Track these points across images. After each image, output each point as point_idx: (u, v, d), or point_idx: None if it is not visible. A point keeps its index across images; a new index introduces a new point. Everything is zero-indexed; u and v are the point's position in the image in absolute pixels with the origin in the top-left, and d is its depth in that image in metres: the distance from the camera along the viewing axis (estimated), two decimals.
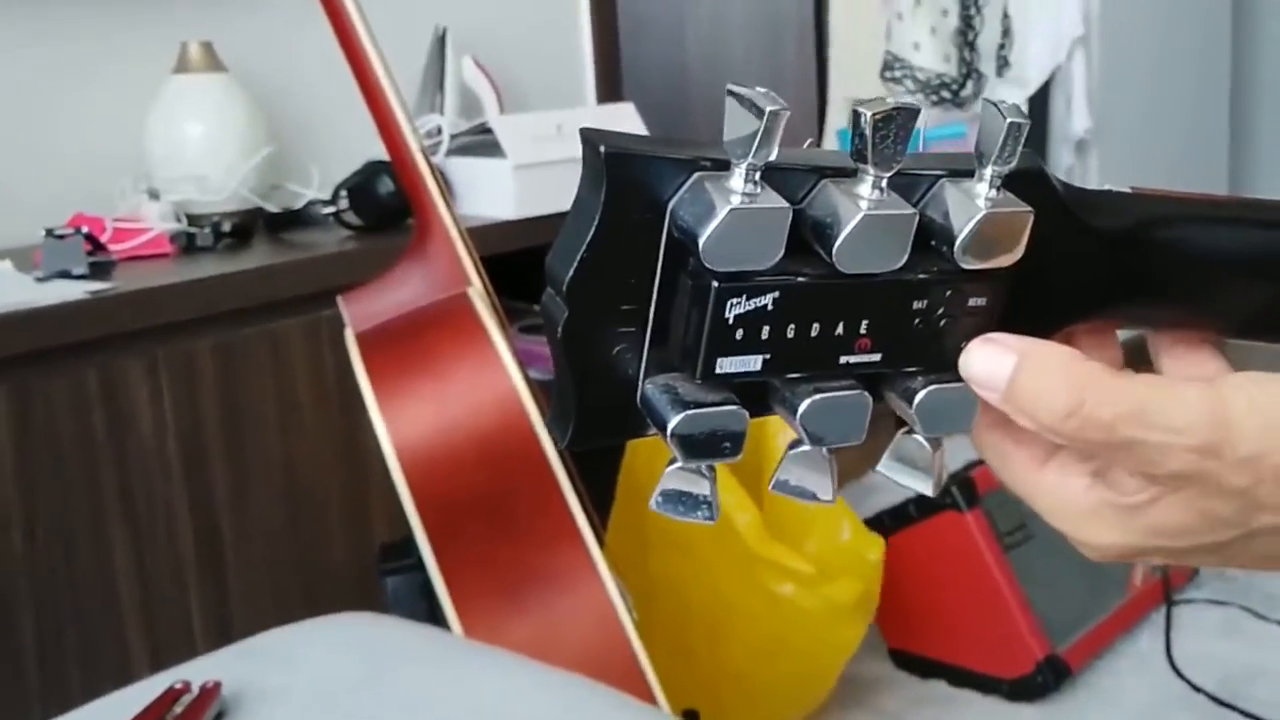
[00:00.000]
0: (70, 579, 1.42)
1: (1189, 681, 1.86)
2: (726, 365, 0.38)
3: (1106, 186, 0.45)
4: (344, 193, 1.81)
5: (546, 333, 0.39)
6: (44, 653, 1.40)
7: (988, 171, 0.39)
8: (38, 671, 1.40)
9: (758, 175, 0.37)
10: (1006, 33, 2.86)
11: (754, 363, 0.38)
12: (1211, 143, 3.69)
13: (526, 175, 1.88)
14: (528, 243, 1.88)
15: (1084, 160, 3.08)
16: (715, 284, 0.37)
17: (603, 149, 0.37)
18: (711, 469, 0.40)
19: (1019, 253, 0.40)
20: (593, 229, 0.37)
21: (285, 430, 1.60)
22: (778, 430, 1.79)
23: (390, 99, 1.38)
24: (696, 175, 0.37)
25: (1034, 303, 0.43)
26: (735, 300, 0.37)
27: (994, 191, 0.39)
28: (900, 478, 0.44)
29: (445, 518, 1.23)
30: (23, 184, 1.85)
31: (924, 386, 0.41)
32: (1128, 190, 0.46)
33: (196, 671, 0.93)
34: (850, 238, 0.37)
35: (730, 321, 0.37)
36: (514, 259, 1.82)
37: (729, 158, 0.37)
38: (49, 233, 1.57)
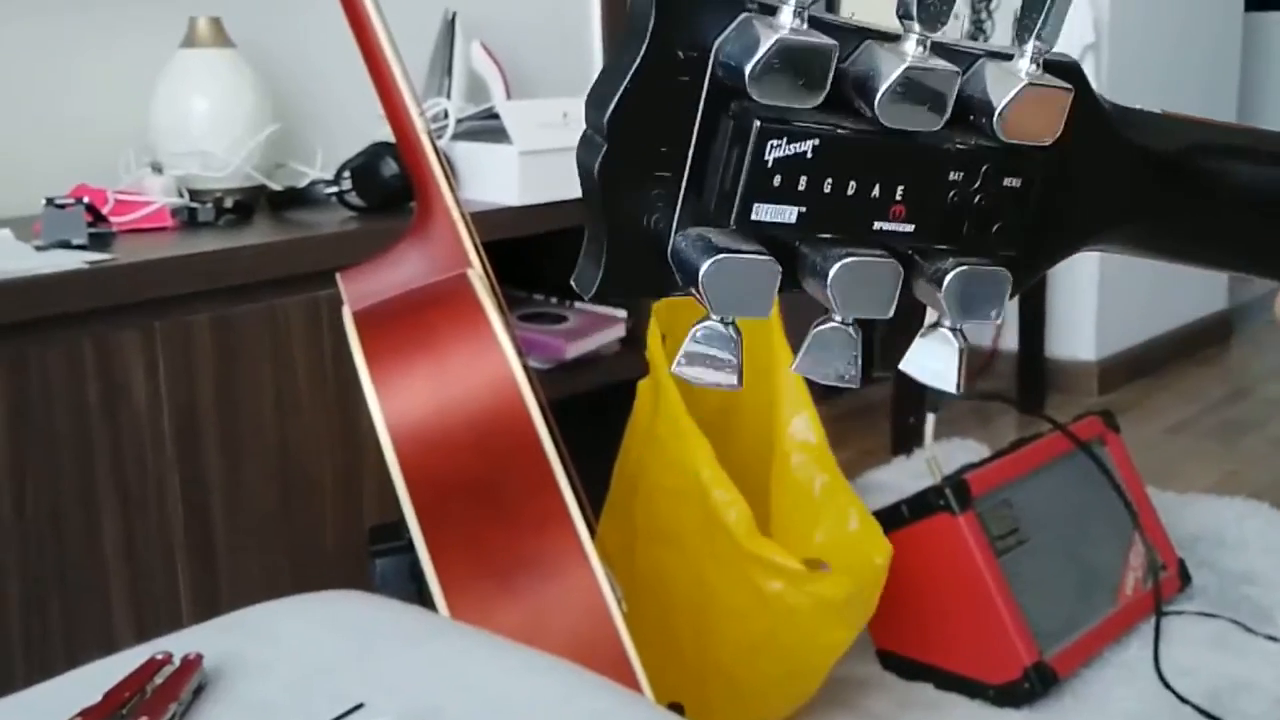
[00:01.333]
0: (59, 550, 1.42)
1: (1176, 693, 1.86)
2: (762, 212, 0.38)
3: (1138, 106, 0.46)
4: (347, 173, 1.81)
5: (581, 174, 0.39)
6: (29, 622, 1.40)
7: (1029, 47, 0.39)
8: (22, 640, 1.40)
9: (805, 16, 0.37)
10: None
11: (789, 214, 0.38)
12: None
13: (532, 162, 1.88)
14: (531, 230, 1.87)
15: None
16: (757, 123, 0.37)
17: None
18: (737, 334, 0.39)
19: (1057, 130, 0.40)
20: (637, 63, 0.37)
21: (280, 408, 1.59)
22: (789, 420, 1.78)
23: (398, 81, 1.37)
24: (744, 15, 0.37)
25: (1064, 206, 0.43)
26: (776, 142, 0.37)
27: (1034, 67, 0.39)
28: (922, 373, 0.43)
29: (436, 499, 1.23)
30: (26, 153, 1.85)
31: (954, 268, 0.40)
32: (1159, 111, 0.46)
33: (179, 644, 0.93)
34: (892, 88, 0.37)
35: (769, 164, 0.37)
36: (517, 246, 1.82)
37: (777, 2, 0.37)
38: (50, 202, 1.56)
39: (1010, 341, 3.23)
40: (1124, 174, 0.44)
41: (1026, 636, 1.86)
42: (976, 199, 0.40)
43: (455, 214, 1.39)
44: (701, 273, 0.37)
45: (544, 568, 1.26)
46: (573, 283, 0.40)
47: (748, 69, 0.36)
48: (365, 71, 1.38)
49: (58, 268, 1.42)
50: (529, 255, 1.91)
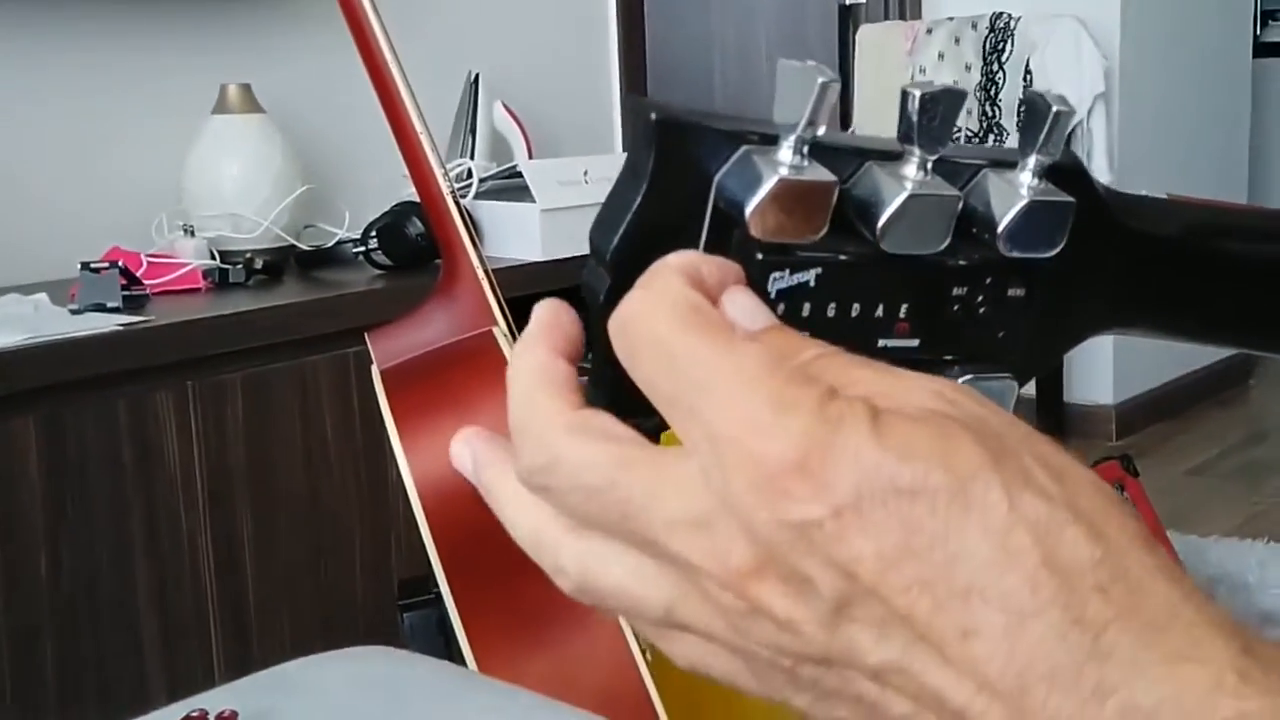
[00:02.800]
0: (92, 608, 1.44)
1: None
2: None
3: (1143, 192, 0.45)
4: (374, 233, 1.84)
5: (588, 305, 0.39)
6: (63, 681, 1.42)
7: (1030, 161, 0.39)
8: (56, 700, 1.42)
9: (805, 149, 0.36)
10: (1028, 88, 2.89)
11: None
12: (1231, 198, 3.70)
13: (553, 219, 1.92)
14: (553, 285, 1.89)
15: None
16: (759, 256, 0.36)
17: (654, 116, 0.37)
18: None
19: (1060, 243, 0.40)
20: (639, 197, 0.37)
21: (310, 465, 1.62)
22: None
23: (422, 142, 1.40)
24: (744, 149, 0.37)
25: (1071, 303, 0.43)
26: (778, 274, 0.37)
27: (1036, 180, 0.39)
28: None
29: (464, 554, 1.25)
30: (62, 218, 1.89)
31: (959, 376, 0.40)
32: (1164, 196, 0.46)
33: (213, 701, 0.95)
34: (895, 216, 0.37)
35: (773, 296, 0.37)
36: (539, 300, 1.85)
37: (777, 133, 0.36)
38: (85, 266, 1.60)
39: (1028, 387, 3.23)
40: (1129, 264, 0.44)
41: None
42: (980, 310, 0.40)
43: (479, 272, 1.42)
44: None
45: (570, 620, 1.28)
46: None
47: (748, 209, 0.36)
48: (390, 133, 1.41)
49: (93, 330, 1.46)
50: None
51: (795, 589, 0.29)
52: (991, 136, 2.90)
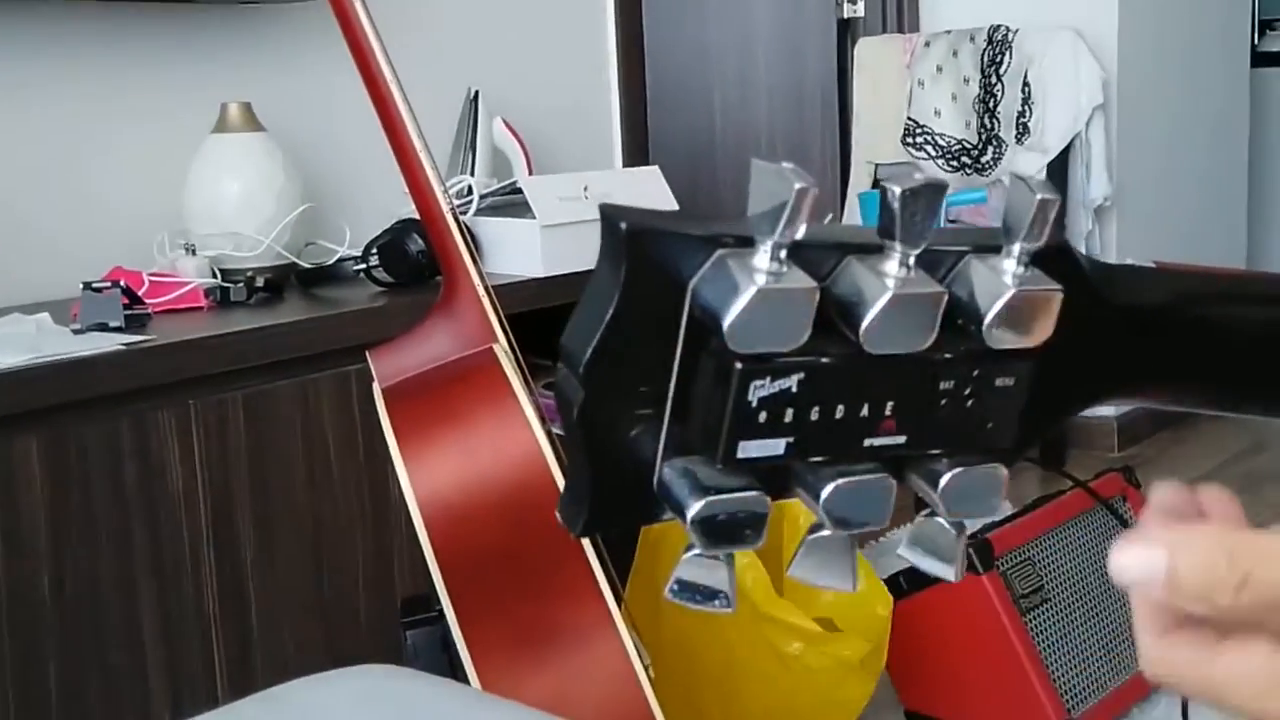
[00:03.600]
0: (96, 627, 1.44)
1: None
2: (749, 449, 0.37)
3: (1129, 260, 0.45)
4: (375, 250, 1.85)
5: (561, 415, 0.38)
6: (66, 701, 1.42)
7: (1016, 248, 0.38)
8: (60, 717, 1.42)
9: (783, 254, 0.35)
10: (1026, 100, 2.90)
11: (777, 446, 0.37)
12: (1230, 208, 3.71)
13: (553, 235, 1.92)
14: (554, 301, 1.91)
15: (1103, 226, 3.10)
16: (739, 365, 0.35)
17: (624, 226, 0.35)
18: (730, 555, 0.38)
19: (1049, 331, 0.38)
20: (611, 309, 0.36)
21: (312, 482, 1.62)
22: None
23: (421, 159, 1.41)
24: (719, 253, 0.36)
25: (1060, 381, 0.42)
26: (759, 382, 0.36)
27: (1022, 269, 0.38)
28: (921, 562, 0.41)
29: (466, 571, 1.25)
30: (63, 238, 1.90)
31: (949, 469, 0.39)
32: (1151, 264, 0.45)
33: None
34: (878, 317, 0.36)
35: (754, 404, 0.36)
36: (540, 316, 1.86)
37: (753, 234, 0.35)
38: (87, 286, 1.61)
39: None
40: (1116, 338, 0.42)
41: (1053, 696, 1.86)
42: (969, 403, 0.39)
43: (480, 289, 1.42)
44: (690, 516, 0.36)
45: (572, 636, 1.28)
46: (557, 516, 0.39)
47: (726, 322, 0.35)
48: (390, 150, 1.42)
49: (95, 350, 1.46)
50: (553, 325, 1.94)
51: None
52: (990, 148, 2.91)
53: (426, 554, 1.23)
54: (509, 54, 2.51)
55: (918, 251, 0.37)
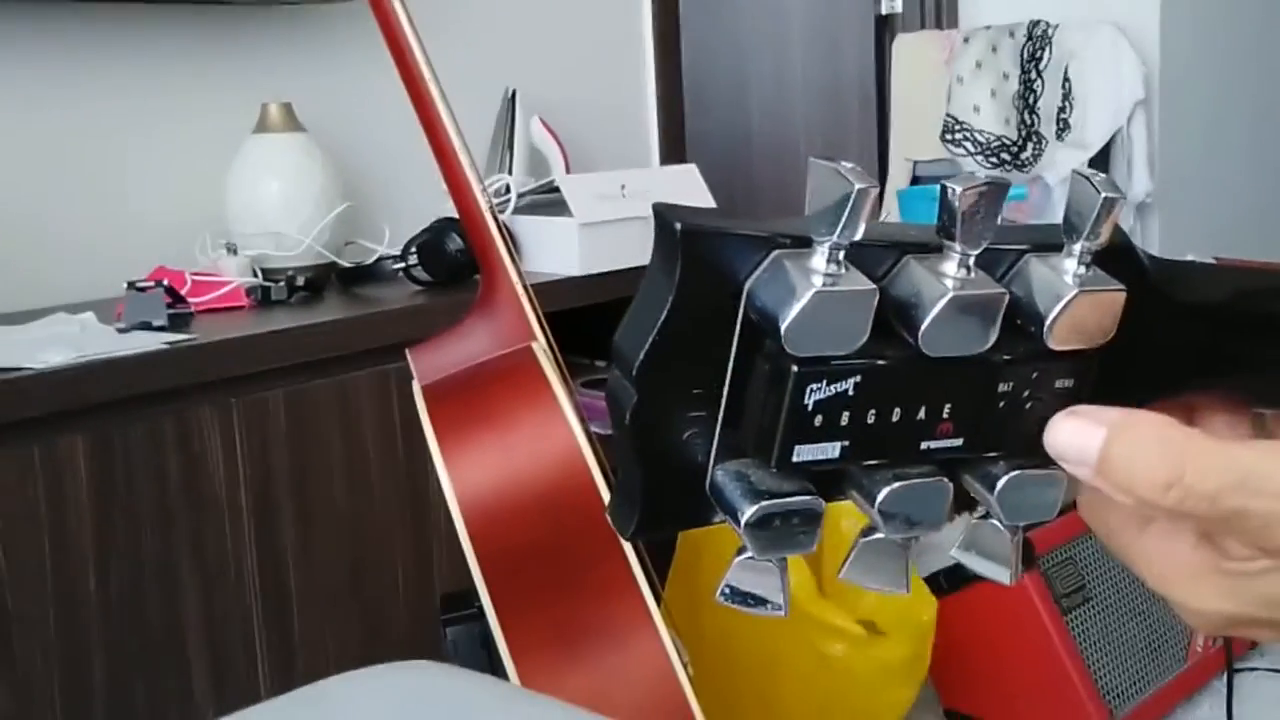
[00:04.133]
0: (140, 624, 1.46)
1: None
2: (804, 453, 0.36)
3: (1190, 257, 0.45)
4: (414, 249, 1.86)
5: (612, 417, 0.37)
6: (112, 697, 1.44)
7: (1077, 248, 0.37)
8: (105, 716, 1.43)
9: (841, 255, 0.34)
10: (1067, 96, 2.87)
11: (832, 450, 0.36)
12: (1274, 202, 3.66)
13: (591, 233, 1.92)
14: (592, 299, 1.91)
15: (1146, 223, 3.07)
16: (795, 368, 0.35)
17: (678, 226, 0.35)
18: (782, 560, 0.37)
19: (1111, 332, 0.38)
20: (665, 310, 0.35)
21: (352, 480, 1.63)
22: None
23: (460, 158, 1.42)
24: (775, 254, 0.35)
25: (1122, 381, 0.40)
26: (815, 385, 0.35)
27: (1083, 269, 0.37)
28: (976, 565, 0.41)
29: (506, 568, 1.25)
30: (107, 238, 1.92)
31: (1006, 472, 0.38)
32: (1212, 261, 0.45)
33: (257, 716, 0.96)
34: (938, 319, 0.35)
35: (809, 408, 0.35)
36: (578, 315, 1.86)
37: (809, 234, 0.35)
38: (131, 285, 1.63)
39: None
40: (1179, 336, 0.41)
41: (1095, 696, 1.84)
42: (1028, 405, 0.38)
43: (518, 287, 1.43)
44: (744, 520, 0.36)
45: (611, 634, 1.28)
46: (608, 519, 0.39)
47: (784, 325, 0.34)
48: (429, 150, 1.43)
49: (139, 349, 1.48)
50: (591, 323, 1.95)
51: None
52: (1030, 145, 2.89)
53: (466, 551, 1.24)
54: (546, 53, 2.52)
55: (978, 252, 0.36)
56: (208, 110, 2.03)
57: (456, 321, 1.42)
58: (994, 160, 2.88)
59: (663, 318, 0.35)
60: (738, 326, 0.36)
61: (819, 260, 0.34)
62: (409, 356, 1.40)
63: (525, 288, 1.43)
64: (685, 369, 0.36)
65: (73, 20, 1.89)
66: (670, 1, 2.81)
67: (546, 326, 1.44)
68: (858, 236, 0.34)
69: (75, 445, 1.40)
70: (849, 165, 0.34)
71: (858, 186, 0.33)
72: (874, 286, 0.35)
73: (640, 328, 0.36)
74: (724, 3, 3.52)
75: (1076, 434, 0.38)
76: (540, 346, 1.37)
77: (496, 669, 1.24)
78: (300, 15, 2.12)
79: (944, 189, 0.35)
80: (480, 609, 1.26)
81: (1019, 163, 2.87)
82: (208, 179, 1.94)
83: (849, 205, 0.33)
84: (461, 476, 1.25)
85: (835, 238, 0.34)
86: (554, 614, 1.27)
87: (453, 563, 1.57)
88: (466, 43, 2.32)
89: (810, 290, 0.34)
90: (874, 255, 0.36)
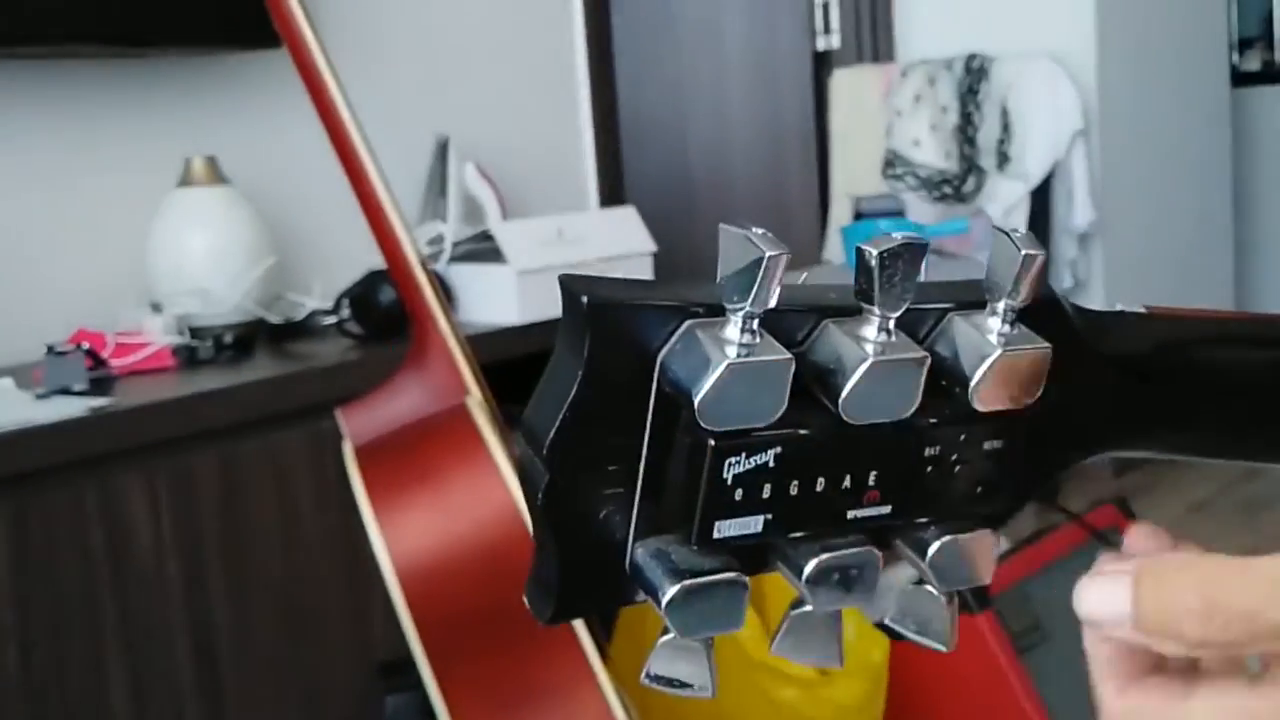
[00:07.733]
0: (64, 701, 1.40)
1: None
2: (725, 529, 0.35)
3: (1119, 306, 0.42)
4: (346, 302, 1.82)
5: (525, 497, 0.36)
6: None
7: (1001, 306, 0.36)
8: None
9: (755, 323, 0.34)
10: (1006, 128, 2.88)
11: (755, 524, 0.35)
12: (1216, 230, 3.70)
13: (529, 280, 1.89)
14: (532, 348, 1.88)
15: (1087, 252, 3.09)
16: (712, 442, 0.34)
17: (585, 300, 0.34)
18: (708, 641, 0.36)
19: (1038, 391, 0.37)
20: (575, 387, 0.34)
21: (286, 545, 1.58)
22: None
23: (387, 208, 1.38)
24: (688, 324, 0.34)
25: (1052, 438, 0.40)
26: (734, 459, 0.34)
27: (1008, 327, 0.36)
28: (912, 635, 0.40)
29: (444, 634, 1.21)
30: (25, 301, 1.86)
31: (937, 537, 0.38)
32: (1142, 310, 0.43)
33: None
34: (858, 387, 0.34)
35: (729, 481, 0.34)
36: (518, 364, 1.82)
37: (723, 303, 0.34)
38: (50, 349, 1.57)
39: None
40: (1109, 391, 0.41)
41: None
42: (956, 468, 0.37)
43: (451, 340, 1.39)
44: (665, 600, 0.34)
45: (555, 697, 1.24)
46: (525, 602, 0.37)
47: (697, 398, 0.33)
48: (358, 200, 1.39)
49: (59, 416, 1.43)
50: (532, 372, 1.91)
51: None
52: (971, 177, 2.89)
53: (402, 617, 1.20)
54: (479, 97, 2.48)
55: (898, 314, 0.35)
56: (128, 165, 1.97)
57: (388, 378, 1.38)
58: (936, 194, 2.88)
59: (573, 394, 0.34)
60: (651, 400, 0.35)
61: (732, 330, 0.33)
62: (339, 417, 1.35)
63: (460, 339, 1.40)
64: (600, 445, 0.35)
65: None
66: (604, 40, 2.79)
67: (484, 378, 1.41)
68: (770, 304, 0.33)
69: None
70: (759, 231, 0.33)
71: (769, 254, 0.32)
72: (789, 356, 0.34)
73: (550, 404, 0.35)
74: (659, 41, 3.51)
75: (1104, 597, 0.38)
76: (476, 400, 1.34)
77: None
78: (221, 66, 2.08)
79: (859, 252, 0.34)
80: (419, 677, 1.22)
81: (960, 195, 2.87)
82: (130, 236, 1.89)
83: (760, 273, 0.33)
84: (397, 541, 1.21)
85: (748, 306, 0.33)
86: (495, 679, 1.23)
87: (392, 627, 1.52)
88: (397, 89, 2.29)
89: (724, 362, 0.33)
90: (792, 320, 0.35)
